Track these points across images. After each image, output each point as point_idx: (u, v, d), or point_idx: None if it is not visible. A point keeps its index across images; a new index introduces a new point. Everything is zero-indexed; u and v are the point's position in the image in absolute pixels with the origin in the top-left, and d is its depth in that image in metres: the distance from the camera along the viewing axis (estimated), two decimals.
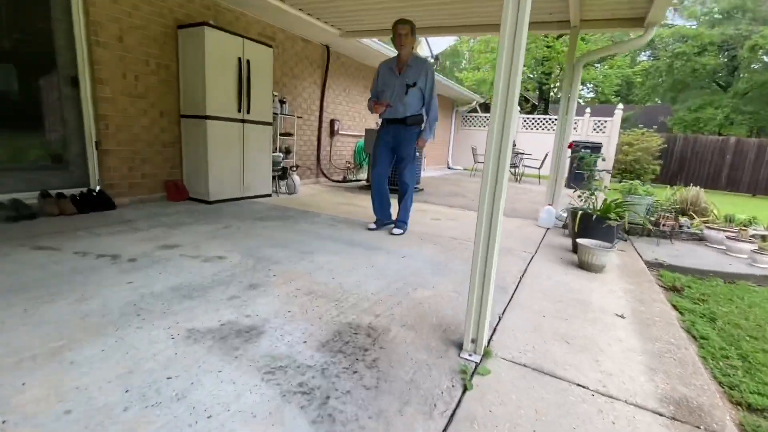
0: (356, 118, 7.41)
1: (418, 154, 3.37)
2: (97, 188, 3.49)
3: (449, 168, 12.80)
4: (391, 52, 6.73)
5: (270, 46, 4.45)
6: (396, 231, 3.27)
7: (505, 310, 1.95)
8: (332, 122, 6.71)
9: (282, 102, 5.18)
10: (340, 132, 6.90)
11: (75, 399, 1.11)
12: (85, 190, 3.43)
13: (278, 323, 1.62)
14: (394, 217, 3.46)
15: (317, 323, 1.64)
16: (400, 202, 3.33)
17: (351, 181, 7.11)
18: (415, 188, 6.66)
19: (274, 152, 4.99)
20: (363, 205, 4.64)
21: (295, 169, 5.37)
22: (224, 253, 2.46)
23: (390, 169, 3.40)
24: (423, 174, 7.19)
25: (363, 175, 7.37)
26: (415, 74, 3.15)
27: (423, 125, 3.24)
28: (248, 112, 4.28)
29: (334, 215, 3.92)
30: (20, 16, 3.10)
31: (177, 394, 1.15)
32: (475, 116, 12.77)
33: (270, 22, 5.06)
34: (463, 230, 3.65)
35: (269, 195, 4.82)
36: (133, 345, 1.39)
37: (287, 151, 5.47)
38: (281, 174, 5.16)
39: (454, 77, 18.19)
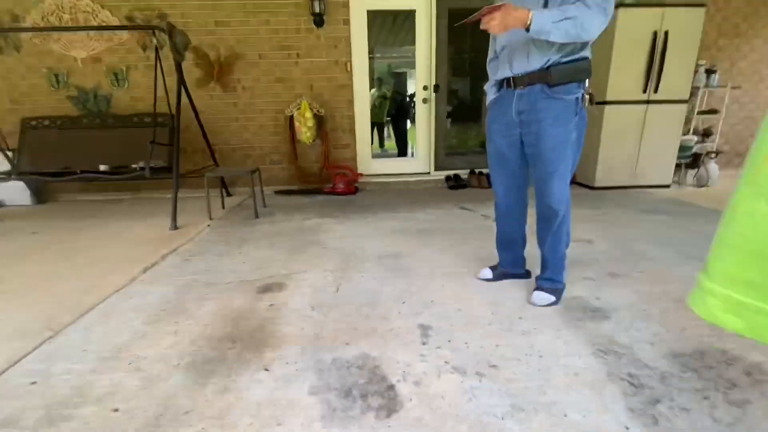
0: None
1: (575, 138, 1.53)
2: None
3: None
4: None
5: (703, 5, 3.63)
6: (539, 298, 1.69)
7: None
8: None
9: (710, 72, 4.12)
10: None
11: (465, 306, 1.72)
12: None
13: (628, 315, 1.59)
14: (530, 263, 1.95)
15: (675, 333, 1.46)
16: (542, 245, 1.72)
17: None
18: None
19: (685, 135, 4.15)
20: None
21: (713, 156, 4.21)
22: (593, 238, 2.54)
23: (525, 188, 1.77)
24: None
25: None
26: None
27: (581, 78, 1.47)
28: (655, 91, 3.80)
29: None
30: (474, 40, 4.38)
31: (523, 331, 1.50)
32: None
33: None
34: None
35: (667, 186, 4.13)
36: (502, 287, 1.88)
37: (706, 134, 4.36)
38: (691, 162, 4.23)
39: None
